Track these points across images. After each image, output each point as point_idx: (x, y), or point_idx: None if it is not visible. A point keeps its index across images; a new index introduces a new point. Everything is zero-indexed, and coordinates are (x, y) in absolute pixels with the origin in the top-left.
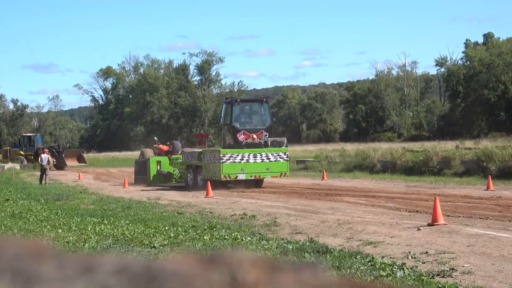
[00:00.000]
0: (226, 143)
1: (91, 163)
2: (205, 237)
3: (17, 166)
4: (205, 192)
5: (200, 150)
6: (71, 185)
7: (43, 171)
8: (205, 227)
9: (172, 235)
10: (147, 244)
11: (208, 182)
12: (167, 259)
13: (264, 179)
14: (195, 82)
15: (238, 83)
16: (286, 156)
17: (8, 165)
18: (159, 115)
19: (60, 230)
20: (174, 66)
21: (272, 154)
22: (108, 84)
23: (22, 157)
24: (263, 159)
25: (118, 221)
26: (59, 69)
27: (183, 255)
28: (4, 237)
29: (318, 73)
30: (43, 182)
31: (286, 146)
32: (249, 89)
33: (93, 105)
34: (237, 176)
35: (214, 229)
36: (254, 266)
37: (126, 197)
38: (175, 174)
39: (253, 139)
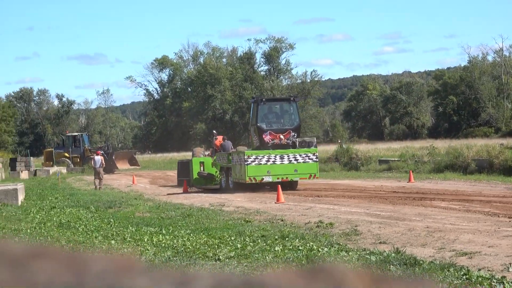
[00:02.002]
0: (254, 145)
1: (146, 166)
2: (276, 248)
3: (63, 170)
4: (275, 197)
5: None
6: (125, 191)
7: (97, 174)
8: (276, 237)
9: (239, 246)
10: (211, 257)
11: (279, 186)
12: (265, 273)
13: (343, 182)
14: (262, 73)
15: (311, 73)
16: (315, 157)
17: (54, 169)
18: (222, 110)
19: (113, 241)
20: (238, 55)
21: (300, 155)
22: (164, 76)
23: (67, 160)
24: (290, 161)
25: (177, 230)
26: (107, 60)
27: (281, 269)
28: (88, 252)
29: (402, 60)
30: (97, 186)
31: (316, 147)
32: (323, 79)
33: (147, 100)
34: (263, 179)
35: (287, 239)
36: (360, 279)
37: (186, 203)
38: (217, 176)
39: (280, 139)
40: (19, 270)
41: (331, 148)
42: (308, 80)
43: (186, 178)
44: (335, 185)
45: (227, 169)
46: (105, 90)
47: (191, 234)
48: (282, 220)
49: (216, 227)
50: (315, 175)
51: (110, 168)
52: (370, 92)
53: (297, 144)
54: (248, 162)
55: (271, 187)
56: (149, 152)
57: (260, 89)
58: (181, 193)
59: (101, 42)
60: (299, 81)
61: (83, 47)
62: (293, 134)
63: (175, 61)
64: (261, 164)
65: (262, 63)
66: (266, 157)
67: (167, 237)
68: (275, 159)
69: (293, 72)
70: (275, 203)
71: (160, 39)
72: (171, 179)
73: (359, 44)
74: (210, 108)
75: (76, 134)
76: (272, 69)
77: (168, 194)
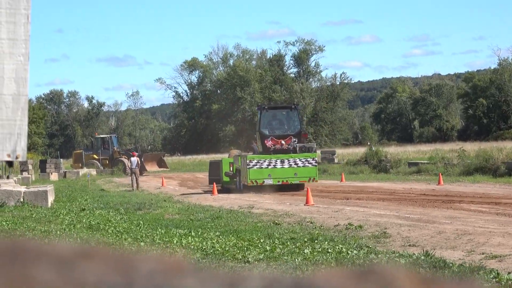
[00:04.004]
0: (259, 149)
1: (176, 168)
2: (305, 251)
3: (93, 171)
4: (305, 200)
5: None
6: (154, 193)
7: (133, 174)
8: (306, 239)
9: (268, 248)
10: (240, 259)
11: (308, 188)
12: (315, 274)
13: (372, 185)
14: (291, 75)
15: (341, 75)
16: (314, 161)
17: (83, 171)
18: (251, 112)
19: (142, 243)
20: (268, 57)
21: (300, 160)
22: (194, 78)
23: (96, 162)
24: (291, 165)
25: (207, 232)
26: (136, 62)
27: (332, 270)
28: (136, 252)
29: (431, 63)
30: (134, 187)
31: (315, 152)
32: (353, 81)
33: (176, 102)
34: (264, 182)
35: (316, 241)
36: (410, 280)
37: (216, 205)
38: None
39: (281, 145)
40: (67, 270)
41: (360, 150)
42: (338, 83)
43: (217, 178)
44: (364, 188)
45: (239, 171)
46: (134, 92)
47: (220, 236)
48: (311, 223)
49: (245, 229)
50: (314, 178)
51: (139, 170)
52: (399, 95)
53: (298, 149)
54: (250, 166)
55: (275, 189)
56: (179, 154)
57: (290, 92)
58: (211, 194)
59: (130, 43)
60: (328, 83)
61: (112, 49)
62: (294, 139)
63: (204, 63)
64: (262, 168)
65: (291, 65)
66: (267, 161)
67: (196, 239)
68: (276, 163)
69: (323, 74)
70: (305, 205)
71: (189, 41)
72: (200, 181)
73: (387, 46)
74: (239, 110)
75: (105, 136)
76: (301, 71)
77: (197, 195)
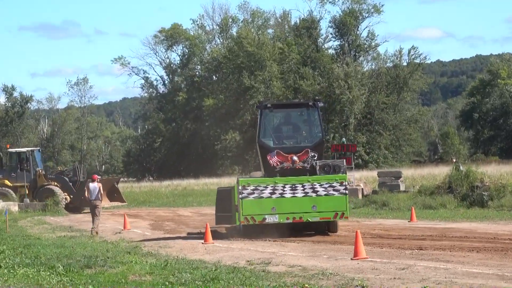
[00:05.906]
0: (261, 170)
1: (146, 200)
2: None
3: (14, 207)
4: (352, 250)
5: None
6: (111, 240)
7: (93, 209)
8: None
9: None
10: None
11: (358, 232)
12: None
13: (461, 226)
14: (330, 51)
15: (409, 52)
16: (344, 187)
17: None
18: None
19: None
20: (293, 23)
21: (321, 185)
22: (175, 56)
23: (8, 190)
24: (306, 193)
25: None
26: (82, 32)
27: None
28: None
29: None
30: (93, 229)
31: (344, 172)
32: (429, 61)
33: (147, 95)
34: (264, 219)
35: None
36: None
37: (210, 260)
38: None
39: (293, 162)
40: None
41: (442, 171)
42: (405, 63)
43: (228, 214)
44: (447, 231)
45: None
46: (79, 80)
47: None
48: (363, 287)
49: None
50: (343, 213)
51: (79, 204)
52: (502, 82)
53: (318, 168)
54: (243, 195)
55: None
56: (151, 178)
57: (328, 77)
58: (202, 242)
59: (71, 4)
60: (389, 64)
61: (43, 12)
62: (313, 154)
63: (192, 33)
64: (262, 197)
65: (330, 36)
66: (270, 187)
67: None
68: (284, 190)
69: (380, 50)
70: (352, 259)
71: None
72: (185, 221)
73: (483, 7)
74: (247, 108)
75: (22, 150)
76: (346, 45)
77: (181, 242)
